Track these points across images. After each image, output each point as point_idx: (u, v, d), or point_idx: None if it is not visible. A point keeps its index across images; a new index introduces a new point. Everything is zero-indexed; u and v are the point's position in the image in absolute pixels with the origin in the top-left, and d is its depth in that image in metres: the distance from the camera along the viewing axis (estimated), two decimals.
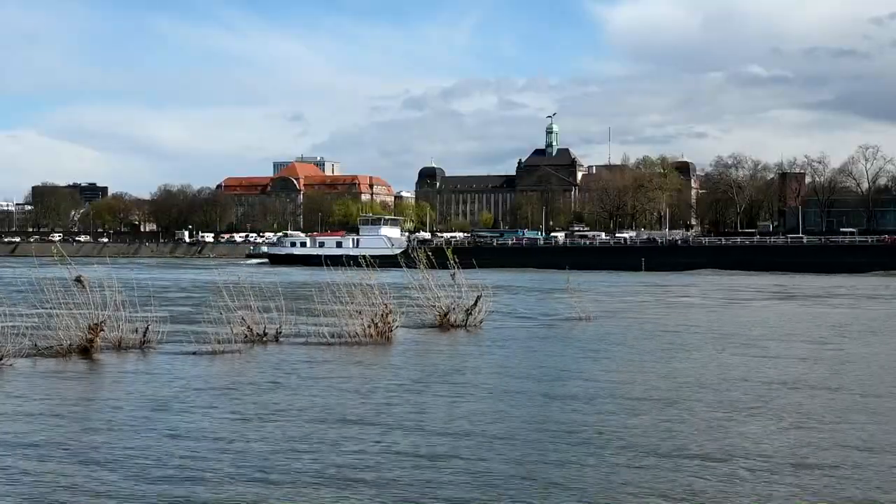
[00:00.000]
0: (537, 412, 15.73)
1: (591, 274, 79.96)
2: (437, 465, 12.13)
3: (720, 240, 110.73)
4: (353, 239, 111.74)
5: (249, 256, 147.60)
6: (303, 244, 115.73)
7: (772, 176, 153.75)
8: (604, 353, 23.82)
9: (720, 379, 19.25)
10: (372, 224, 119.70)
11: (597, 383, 18.78)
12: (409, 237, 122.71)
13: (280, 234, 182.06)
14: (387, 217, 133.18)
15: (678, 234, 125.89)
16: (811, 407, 16.11)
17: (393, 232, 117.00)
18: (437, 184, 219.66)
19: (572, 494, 10.85)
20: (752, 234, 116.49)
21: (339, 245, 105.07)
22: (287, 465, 12.15)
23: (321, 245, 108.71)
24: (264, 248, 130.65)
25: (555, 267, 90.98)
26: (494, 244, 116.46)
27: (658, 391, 17.71)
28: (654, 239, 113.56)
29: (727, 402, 16.44)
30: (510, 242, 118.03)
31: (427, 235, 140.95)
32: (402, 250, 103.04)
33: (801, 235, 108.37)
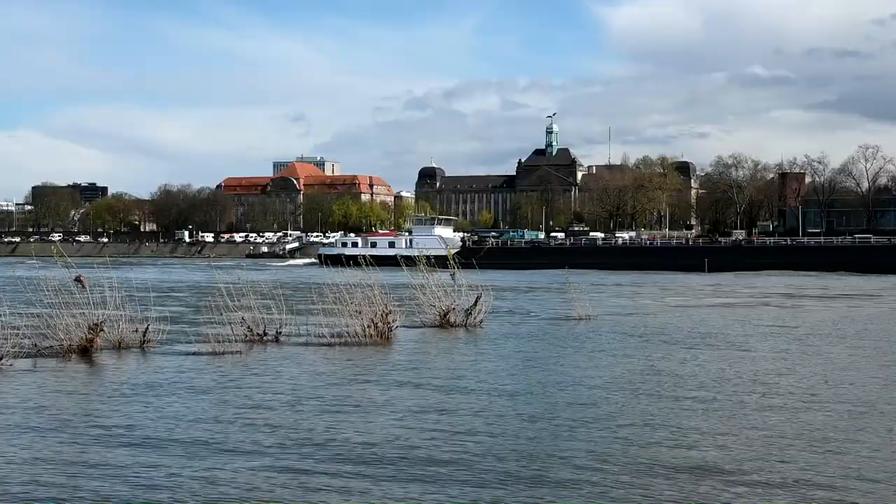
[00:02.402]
0: (535, 412, 15.72)
1: (654, 275, 79.26)
2: (435, 463, 12.13)
3: (786, 240, 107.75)
4: (406, 239, 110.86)
5: (249, 257, 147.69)
6: (354, 244, 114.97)
7: (772, 176, 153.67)
8: (601, 353, 23.80)
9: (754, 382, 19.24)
10: (425, 224, 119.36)
11: (592, 382, 18.76)
12: (462, 237, 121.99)
13: (280, 233, 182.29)
14: (440, 217, 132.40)
15: (741, 234, 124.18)
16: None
17: (446, 232, 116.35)
18: (437, 184, 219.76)
19: (569, 493, 10.88)
20: (818, 235, 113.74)
21: (391, 245, 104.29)
22: (286, 464, 12.16)
23: (373, 245, 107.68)
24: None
25: (618, 268, 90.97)
26: (552, 245, 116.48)
27: (656, 390, 17.72)
28: (718, 239, 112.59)
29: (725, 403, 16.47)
30: (568, 244, 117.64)
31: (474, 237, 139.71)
32: (456, 250, 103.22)
33: (868, 236, 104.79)
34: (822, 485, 11.18)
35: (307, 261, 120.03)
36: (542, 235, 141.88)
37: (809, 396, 17.16)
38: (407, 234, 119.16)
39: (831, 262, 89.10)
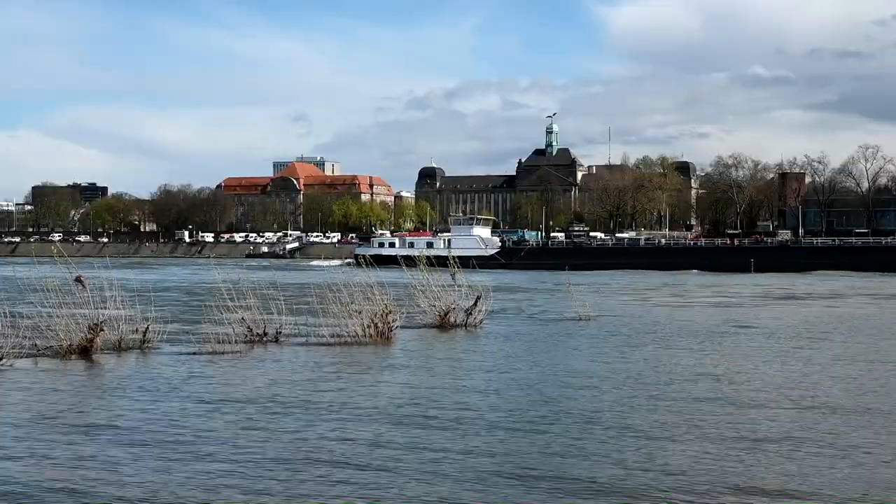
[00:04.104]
0: (533, 412, 15.72)
1: (700, 276, 78.26)
2: (433, 464, 12.15)
3: (833, 240, 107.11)
4: (444, 239, 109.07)
5: (250, 256, 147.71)
6: (391, 244, 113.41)
7: (772, 176, 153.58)
8: (600, 353, 23.81)
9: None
10: (464, 224, 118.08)
11: (589, 382, 18.78)
12: (501, 238, 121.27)
13: (280, 233, 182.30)
14: (479, 217, 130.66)
15: (787, 234, 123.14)
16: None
17: (485, 232, 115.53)
18: (437, 184, 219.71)
19: (568, 494, 10.90)
20: (865, 234, 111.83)
21: (429, 245, 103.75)
22: (286, 464, 12.16)
23: (411, 245, 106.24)
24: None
25: (662, 268, 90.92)
26: (593, 245, 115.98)
27: (655, 391, 17.74)
28: (764, 239, 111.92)
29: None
30: (610, 243, 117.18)
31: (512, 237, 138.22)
32: (496, 251, 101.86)
33: None
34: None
35: (344, 261, 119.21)
36: (541, 235, 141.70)
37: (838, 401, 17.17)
38: (443, 234, 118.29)
39: (881, 263, 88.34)
